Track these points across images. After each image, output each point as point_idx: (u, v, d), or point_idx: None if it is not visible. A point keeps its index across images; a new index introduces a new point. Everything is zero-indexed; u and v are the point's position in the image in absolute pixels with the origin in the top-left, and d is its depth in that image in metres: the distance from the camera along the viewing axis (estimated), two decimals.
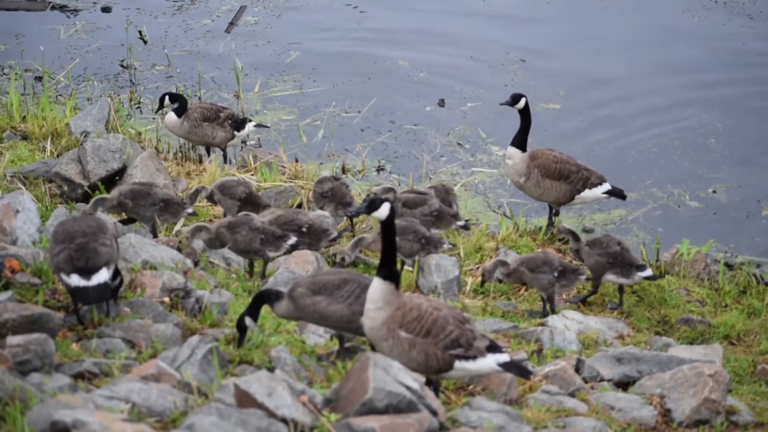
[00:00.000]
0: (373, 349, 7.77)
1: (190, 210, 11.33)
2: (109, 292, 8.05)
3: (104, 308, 8.16)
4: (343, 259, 11.27)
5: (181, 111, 13.83)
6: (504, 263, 11.03)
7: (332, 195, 12.24)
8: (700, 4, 19.52)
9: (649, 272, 11.32)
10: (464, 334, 7.42)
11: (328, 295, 8.04)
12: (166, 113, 14.02)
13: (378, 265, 7.52)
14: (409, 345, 7.39)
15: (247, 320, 8.01)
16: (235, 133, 14.00)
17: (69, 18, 18.90)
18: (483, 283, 11.22)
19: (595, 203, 13.97)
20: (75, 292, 7.90)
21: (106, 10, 19.10)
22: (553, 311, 10.93)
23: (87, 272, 7.90)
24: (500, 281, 11.24)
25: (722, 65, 17.62)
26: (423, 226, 11.63)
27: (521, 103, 12.76)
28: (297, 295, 8.07)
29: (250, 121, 14.21)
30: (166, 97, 14.00)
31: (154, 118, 14.62)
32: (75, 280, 7.90)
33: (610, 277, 11.30)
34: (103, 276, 7.94)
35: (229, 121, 13.89)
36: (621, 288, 11.54)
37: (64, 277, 7.96)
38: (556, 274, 10.84)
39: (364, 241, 11.22)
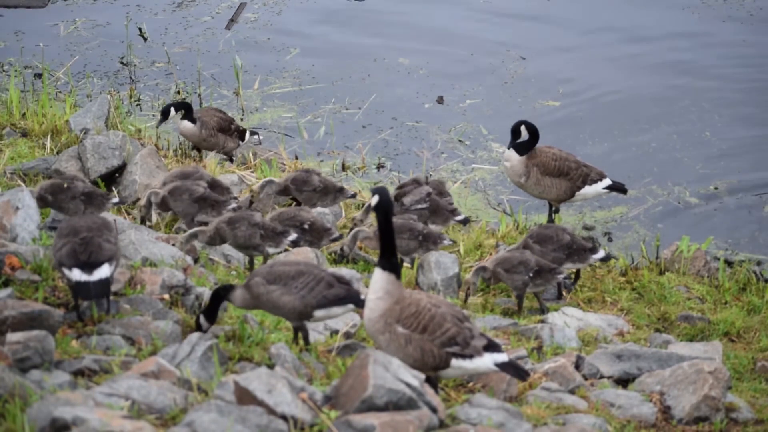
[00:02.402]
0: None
1: (115, 200, 11.28)
2: (110, 289, 8.06)
3: (104, 305, 8.16)
4: (342, 250, 11.29)
5: (191, 116, 13.76)
6: (484, 269, 10.98)
7: (325, 187, 12.25)
8: (700, 1, 19.51)
9: (602, 254, 11.40)
10: (462, 332, 7.41)
11: (282, 285, 8.05)
12: (179, 122, 13.89)
13: (378, 256, 7.53)
14: (405, 340, 7.39)
15: (201, 318, 8.04)
16: (240, 142, 14.06)
17: (69, 15, 18.90)
18: (467, 297, 10.99)
19: (596, 200, 13.98)
20: (76, 287, 7.90)
21: None
22: (520, 310, 10.91)
23: (89, 266, 7.90)
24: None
25: (722, 62, 17.61)
26: (419, 216, 11.66)
27: (524, 132, 12.69)
28: (253, 284, 8.10)
29: (247, 131, 14.20)
30: (172, 108, 13.84)
31: (156, 126, 14.48)
32: (76, 274, 7.90)
33: (567, 265, 11.32)
34: (105, 272, 7.95)
35: (237, 132, 13.97)
36: (578, 272, 11.64)
37: (65, 271, 7.96)
38: (531, 275, 10.81)
39: (362, 233, 11.23)
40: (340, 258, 11.36)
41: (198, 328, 8.08)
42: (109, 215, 10.92)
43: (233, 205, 11.53)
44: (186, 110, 13.79)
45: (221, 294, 8.13)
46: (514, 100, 16.63)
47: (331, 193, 12.28)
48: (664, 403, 8.33)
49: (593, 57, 17.82)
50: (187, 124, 13.79)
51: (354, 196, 12.57)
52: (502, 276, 10.85)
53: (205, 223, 11.18)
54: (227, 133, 13.89)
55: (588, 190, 12.95)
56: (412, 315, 7.40)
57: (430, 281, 11.15)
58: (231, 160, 14.27)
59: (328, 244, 11.39)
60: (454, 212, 12.17)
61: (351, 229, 11.70)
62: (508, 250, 11.26)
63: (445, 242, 11.45)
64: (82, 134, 13.84)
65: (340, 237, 11.44)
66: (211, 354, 7.39)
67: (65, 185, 10.97)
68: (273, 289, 8.06)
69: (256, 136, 14.33)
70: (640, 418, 8.13)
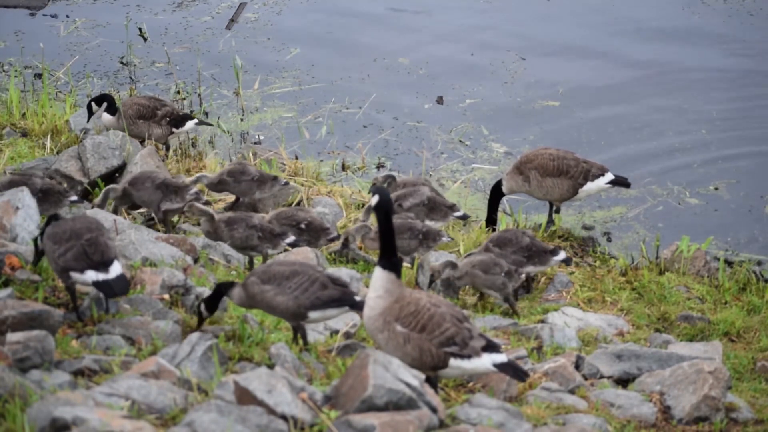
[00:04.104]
0: None
1: (74, 198, 11.38)
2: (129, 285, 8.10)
3: (104, 305, 8.17)
4: (347, 240, 11.27)
5: (112, 109, 13.67)
6: (454, 265, 10.90)
7: (261, 176, 12.24)
8: (700, 1, 19.51)
9: (563, 255, 11.35)
10: (460, 332, 7.40)
11: (276, 285, 8.08)
12: (101, 115, 13.78)
13: (378, 255, 7.52)
14: (404, 339, 7.39)
15: (203, 306, 8.21)
16: (173, 129, 13.77)
17: (69, 15, 18.90)
18: (431, 283, 10.96)
19: (595, 200, 13.98)
20: (97, 287, 7.90)
21: None
22: (515, 312, 10.90)
23: (104, 265, 7.92)
24: (449, 283, 11.04)
25: (722, 63, 17.60)
26: (417, 217, 11.67)
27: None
28: (248, 283, 8.15)
29: (192, 118, 13.94)
30: (93, 104, 13.76)
31: (87, 122, 14.33)
32: (92, 275, 7.88)
33: (528, 269, 11.26)
34: (119, 268, 7.98)
35: (167, 119, 13.70)
36: (533, 277, 11.61)
37: (75, 275, 7.92)
38: (504, 275, 10.78)
39: (372, 231, 11.23)
40: (343, 248, 11.35)
41: (199, 315, 8.20)
42: (108, 215, 10.92)
43: (194, 189, 11.58)
44: (108, 102, 13.71)
45: (222, 290, 8.20)
46: (514, 100, 16.63)
47: (268, 181, 12.26)
48: (664, 403, 8.33)
49: (593, 57, 17.82)
50: (106, 116, 13.72)
51: (287, 183, 12.55)
52: (479, 279, 10.77)
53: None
54: (151, 120, 13.64)
55: (591, 186, 12.95)
56: (411, 314, 7.40)
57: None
58: (167, 149, 14.04)
59: (326, 244, 11.38)
60: (452, 208, 12.18)
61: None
62: (471, 254, 11.28)
63: (444, 239, 11.45)
64: (82, 134, 13.84)
65: (338, 237, 11.43)
66: (211, 354, 7.39)
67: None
68: (267, 289, 8.08)
69: (192, 122, 13.94)
70: (640, 418, 8.13)
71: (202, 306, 8.20)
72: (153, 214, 11.55)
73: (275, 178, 12.33)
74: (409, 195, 12.09)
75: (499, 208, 13.72)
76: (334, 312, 8.17)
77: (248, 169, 12.24)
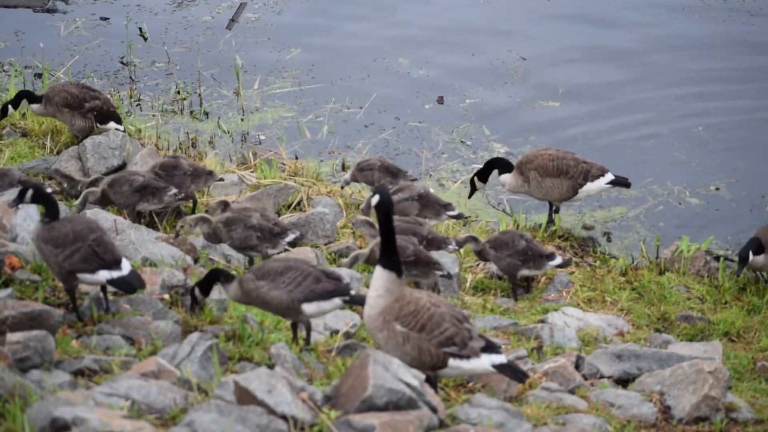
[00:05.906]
0: None
1: (49, 190, 11.42)
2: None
3: (104, 305, 8.17)
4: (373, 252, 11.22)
5: (34, 98, 13.50)
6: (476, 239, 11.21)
7: (195, 170, 12.04)
8: (700, 1, 19.51)
9: (559, 260, 11.40)
10: (460, 332, 7.40)
11: (270, 281, 8.15)
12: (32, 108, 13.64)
13: (378, 254, 7.52)
14: (403, 338, 7.39)
15: (196, 291, 8.33)
16: (98, 125, 13.52)
17: (69, 15, 18.90)
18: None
19: (596, 200, 13.98)
20: (113, 285, 7.93)
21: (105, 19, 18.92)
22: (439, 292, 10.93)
23: (116, 263, 7.95)
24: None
25: (723, 62, 17.60)
26: (409, 213, 11.67)
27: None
28: (244, 280, 8.22)
29: (118, 121, 13.58)
30: (9, 106, 13.58)
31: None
32: (105, 274, 7.91)
33: (524, 272, 11.32)
34: (128, 265, 8.04)
35: (94, 113, 13.43)
36: (532, 278, 11.64)
37: (85, 276, 7.91)
38: (412, 259, 10.66)
39: (361, 256, 11.04)
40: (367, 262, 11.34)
41: (192, 300, 8.28)
42: (108, 215, 10.93)
43: (174, 191, 11.55)
44: (27, 96, 13.54)
45: (218, 278, 8.29)
46: (514, 100, 16.63)
47: (202, 176, 12.07)
48: (664, 403, 8.34)
49: (593, 57, 17.81)
50: (33, 106, 13.58)
51: (222, 179, 12.38)
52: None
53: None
54: (77, 111, 13.36)
55: (591, 186, 12.95)
56: (411, 313, 7.40)
57: (430, 281, 11.13)
58: (79, 140, 13.54)
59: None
60: (447, 207, 12.11)
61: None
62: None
63: (451, 247, 11.36)
64: None
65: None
66: (211, 354, 7.39)
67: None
68: (261, 285, 8.14)
69: (117, 125, 13.56)
70: (640, 418, 8.13)
71: (197, 290, 8.28)
72: (127, 216, 11.47)
73: (210, 173, 12.13)
74: (400, 190, 12.05)
75: (499, 209, 13.74)
76: (329, 305, 8.18)
77: (181, 163, 12.03)
